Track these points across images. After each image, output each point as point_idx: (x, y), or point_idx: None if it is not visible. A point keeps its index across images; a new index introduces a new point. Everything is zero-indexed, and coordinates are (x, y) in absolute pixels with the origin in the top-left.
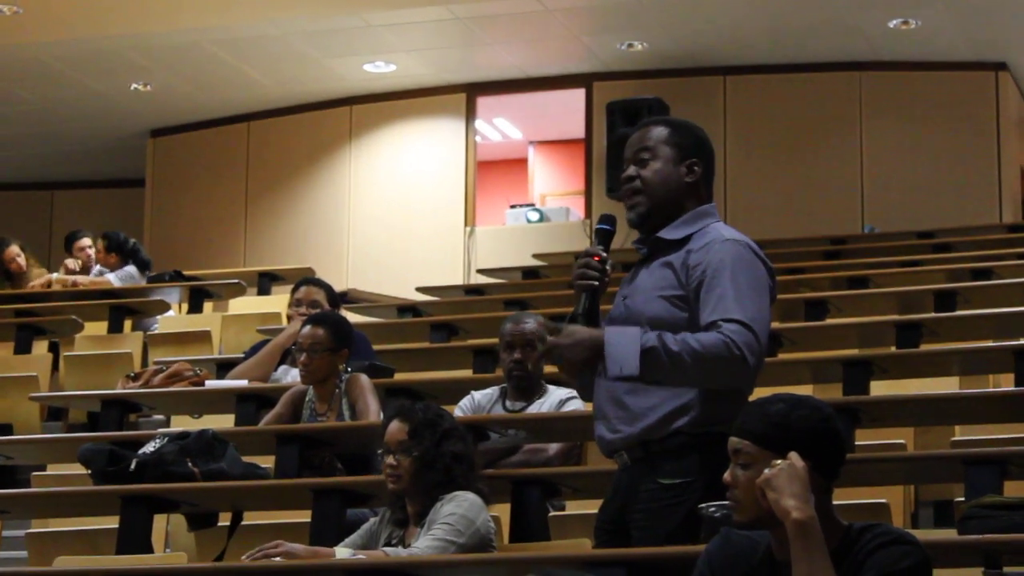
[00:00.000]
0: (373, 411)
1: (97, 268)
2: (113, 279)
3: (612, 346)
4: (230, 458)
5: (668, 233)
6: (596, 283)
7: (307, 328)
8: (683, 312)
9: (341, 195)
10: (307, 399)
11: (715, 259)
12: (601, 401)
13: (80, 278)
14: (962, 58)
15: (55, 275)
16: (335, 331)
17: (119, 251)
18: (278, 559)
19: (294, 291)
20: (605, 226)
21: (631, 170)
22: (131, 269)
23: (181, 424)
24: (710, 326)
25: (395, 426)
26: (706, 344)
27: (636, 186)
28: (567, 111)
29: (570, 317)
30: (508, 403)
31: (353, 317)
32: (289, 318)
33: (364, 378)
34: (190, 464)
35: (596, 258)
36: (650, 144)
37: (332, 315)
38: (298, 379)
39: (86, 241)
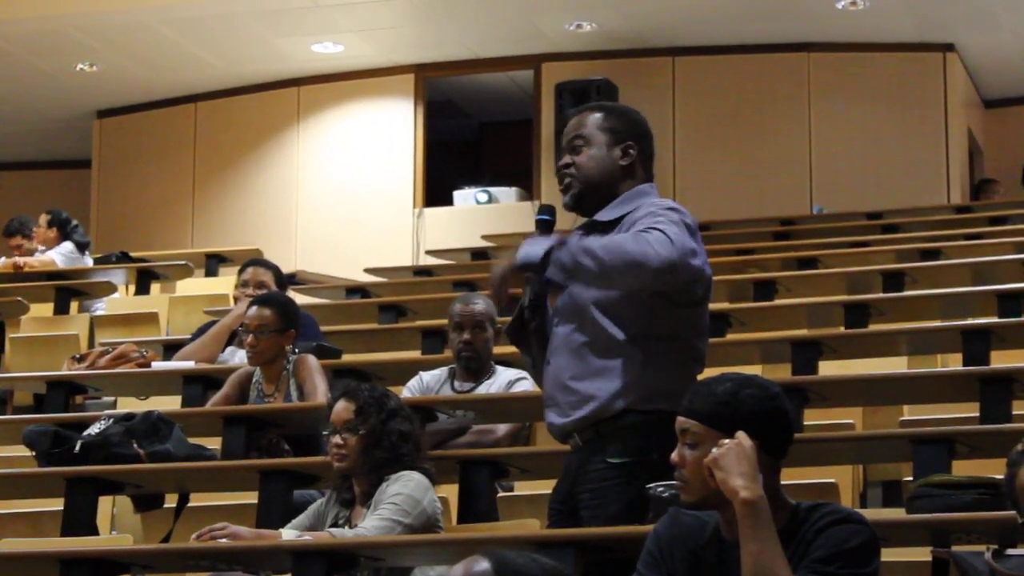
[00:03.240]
0: (321, 392)
1: (40, 248)
2: (57, 257)
3: (526, 244)
4: (176, 439)
5: (603, 215)
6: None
7: (253, 309)
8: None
9: (289, 176)
10: (254, 380)
11: (641, 217)
12: (549, 388)
13: (23, 259)
14: (910, 39)
15: (1, 260)
16: (282, 312)
17: (60, 228)
18: (224, 540)
19: (241, 272)
20: (545, 216)
21: (567, 158)
22: (70, 245)
23: (128, 406)
24: None
25: (341, 405)
26: (617, 239)
27: (571, 172)
28: None
29: (517, 308)
30: (457, 384)
31: (301, 298)
32: (236, 299)
33: (312, 359)
34: (135, 446)
35: None
36: (584, 131)
37: (278, 296)
38: (246, 361)
39: (14, 241)
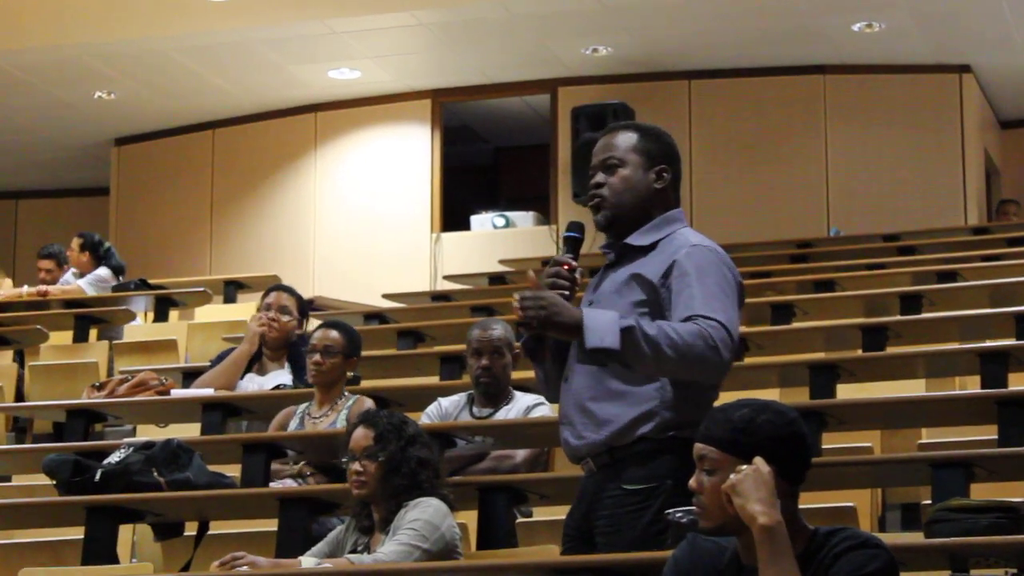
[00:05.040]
0: None
1: (69, 273)
2: (86, 287)
3: (591, 319)
4: (196, 467)
5: (636, 239)
6: (567, 292)
7: (321, 330)
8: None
9: (306, 202)
10: (297, 413)
11: (684, 264)
12: (567, 408)
13: (47, 287)
14: (925, 61)
15: (25, 288)
16: (349, 338)
17: (93, 251)
18: (244, 569)
19: (264, 296)
20: (574, 233)
21: (599, 177)
22: (103, 272)
23: (147, 434)
24: (686, 320)
25: (360, 432)
26: (683, 333)
27: (604, 193)
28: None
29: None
30: (475, 409)
31: None
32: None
33: (370, 403)
34: (156, 474)
35: (566, 267)
36: (618, 151)
37: (346, 323)
38: (262, 387)
39: (45, 264)
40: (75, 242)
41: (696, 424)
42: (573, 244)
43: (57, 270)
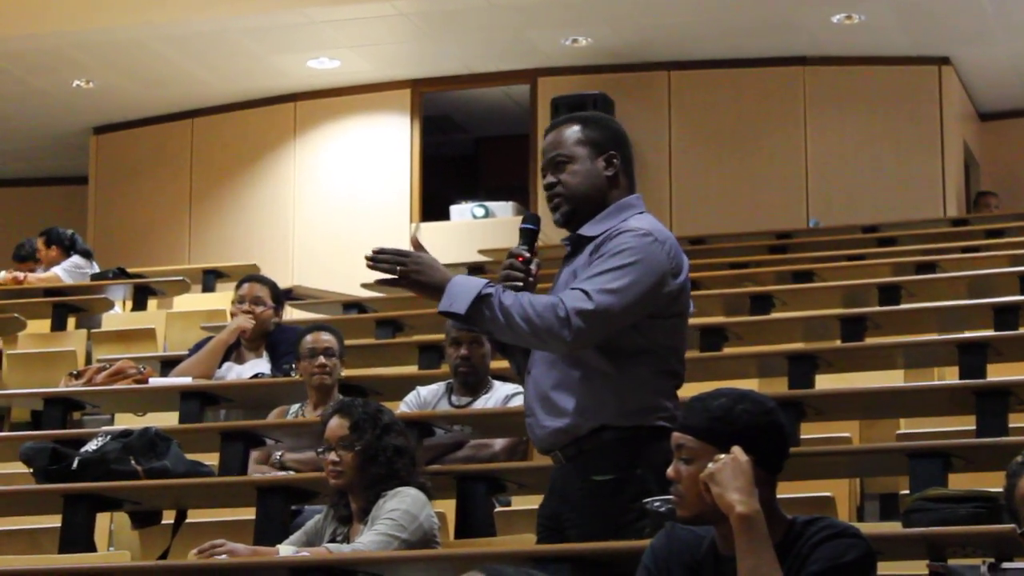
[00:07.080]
0: None
1: (41, 269)
2: (61, 274)
3: (454, 285)
4: (173, 456)
5: (588, 230)
6: (520, 284)
7: (315, 334)
8: None
9: (286, 191)
10: (291, 412)
11: (604, 247)
12: (529, 398)
13: (24, 274)
14: (905, 52)
15: (1, 274)
16: (340, 339)
17: (60, 244)
18: (222, 557)
19: (238, 288)
20: (529, 225)
21: (550, 177)
22: (77, 259)
23: (125, 422)
24: None
25: (335, 422)
26: (537, 305)
27: (558, 191)
28: None
29: None
30: (454, 398)
31: (298, 314)
32: (232, 315)
33: None
34: (133, 462)
35: (520, 259)
36: (564, 148)
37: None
38: (241, 376)
39: (26, 266)
40: (39, 241)
41: (660, 411)
42: (528, 236)
43: (39, 266)
